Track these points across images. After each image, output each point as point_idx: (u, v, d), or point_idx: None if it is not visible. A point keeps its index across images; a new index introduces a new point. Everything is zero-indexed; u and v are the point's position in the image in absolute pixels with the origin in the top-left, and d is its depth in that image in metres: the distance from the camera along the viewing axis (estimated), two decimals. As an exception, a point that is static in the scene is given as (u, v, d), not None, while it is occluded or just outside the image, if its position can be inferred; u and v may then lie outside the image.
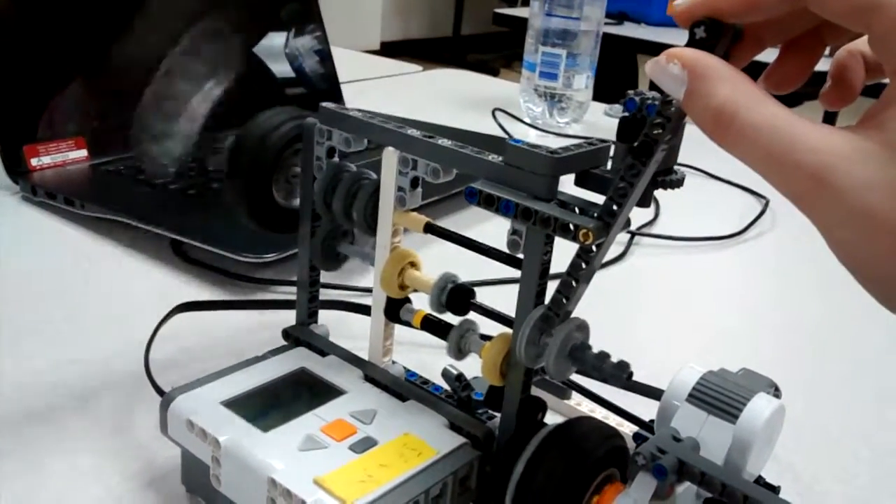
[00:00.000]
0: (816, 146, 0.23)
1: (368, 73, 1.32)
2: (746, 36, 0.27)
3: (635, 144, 0.28)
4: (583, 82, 1.06)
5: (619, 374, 0.31)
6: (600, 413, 0.44)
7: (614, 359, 0.31)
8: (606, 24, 1.20)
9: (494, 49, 4.42)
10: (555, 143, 0.88)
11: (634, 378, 0.43)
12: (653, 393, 0.45)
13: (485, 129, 1.00)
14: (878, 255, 0.23)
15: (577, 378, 0.45)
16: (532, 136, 1.05)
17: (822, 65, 0.28)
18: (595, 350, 0.32)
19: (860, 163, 0.23)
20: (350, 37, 3.32)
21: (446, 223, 0.70)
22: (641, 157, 0.28)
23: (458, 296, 0.36)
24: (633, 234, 0.74)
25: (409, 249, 0.37)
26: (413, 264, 0.37)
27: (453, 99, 1.21)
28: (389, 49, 4.00)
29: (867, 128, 0.24)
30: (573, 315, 0.32)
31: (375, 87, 1.27)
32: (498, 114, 1.08)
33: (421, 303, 0.38)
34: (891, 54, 0.24)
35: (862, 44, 0.30)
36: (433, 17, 4.63)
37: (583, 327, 0.32)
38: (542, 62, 1.05)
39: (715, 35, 0.26)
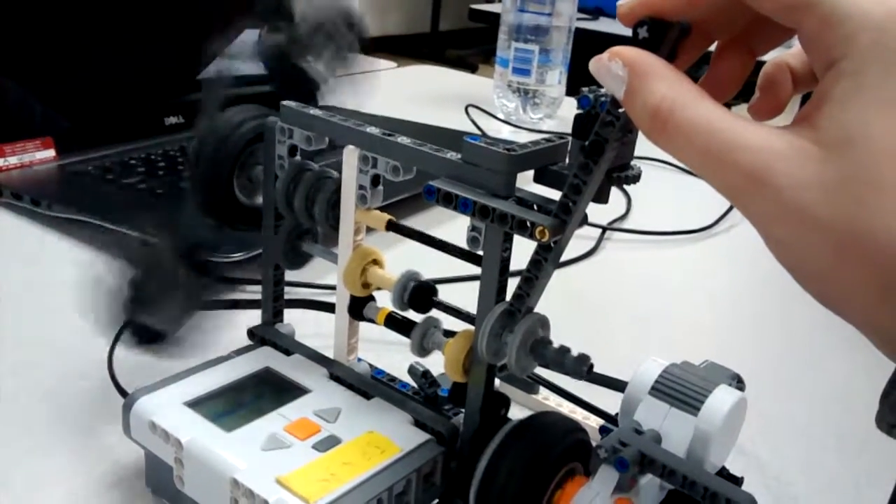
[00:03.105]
0: (752, 145, 0.24)
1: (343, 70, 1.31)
2: (693, 31, 0.27)
3: (586, 143, 0.28)
4: (556, 78, 1.06)
5: (580, 368, 0.31)
6: (567, 407, 0.44)
7: (580, 353, 0.32)
8: (581, 19, 1.21)
9: (472, 45, 4.42)
10: (528, 138, 0.88)
11: (606, 372, 0.43)
12: (620, 386, 0.45)
13: (458, 126, 1.00)
14: (812, 253, 0.23)
15: (543, 373, 0.46)
16: (505, 132, 1.05)
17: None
18: (561, 344, 0.32)
19: (796, 161, 0.23)
20: (327, 33, 3.30)
21: (414, 221, 0.70)
22: (593, 155, 0.28)
23: (420, 293, 0.36)
24: (604, 229, 0.74)
25: (371, 247, 0.37)
26: (376, 262, 0.37)
27: (428, 95, 1.21)
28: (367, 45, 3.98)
29: (802, 127, 0.24)
30: (536, 310, 0.32)
31: (350, 84, 1.26)
32: (472, 110, 1.08)
33: (386, 300, 0.38)
34: (820, 53, 0.24)
35: (789, 56, 0.30)
36: (411, 13, 4.62)
37: (543, 322, 0.33)
38: (515, 58, 1.05)
39: (658, 34, 0.26)
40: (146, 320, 0.39)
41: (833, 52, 0.23)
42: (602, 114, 0.27)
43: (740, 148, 0.24)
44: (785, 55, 0.30)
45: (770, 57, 0.31)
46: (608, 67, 0.26)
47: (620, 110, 0.27)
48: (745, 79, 0.30)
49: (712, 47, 0.30)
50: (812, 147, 0.23)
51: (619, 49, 0.26)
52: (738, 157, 0.24)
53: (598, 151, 0.28)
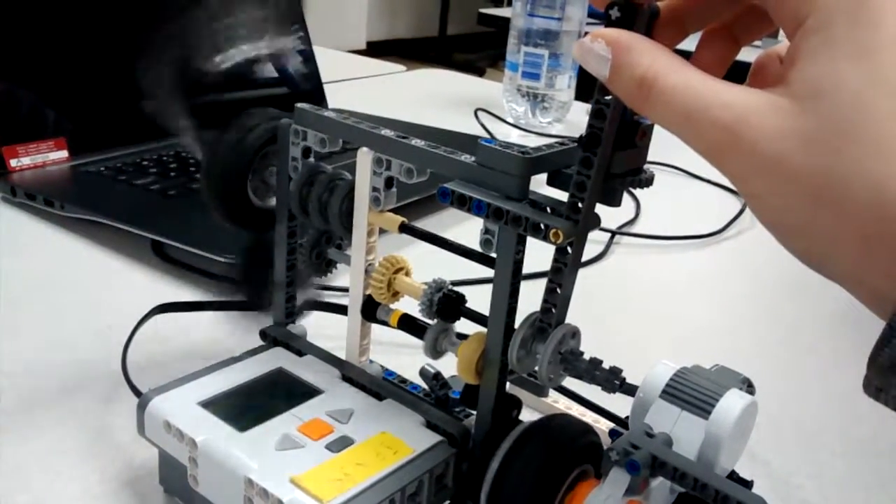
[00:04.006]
0: (730, 101, 0.24)
1: (352, 74, 1.32)
2: (668, 22, 0.28)
3: (582, 136, 0.28)
4: (565, 82, 1.06)
5: (612, 380, 0.32)
6: (577, 410, 0.44)
7: (612, 366, 0.32)
8: (590, 24, 1.21)
9: (480, 49, 4.43)
10: (537, 142, 0.89)
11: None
12: (631, 389, 0.45)
13: (468, 130, 1.00)
14: (790, 205, 0.24)
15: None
16: (514, 136, 1.05)
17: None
18: (592, 357, 0.32)
19: (771, 115, 0.24)
20: (336, 37, 3.32)
21: (426, 223, 0.70)
22: (591, 147, 0.28)
23: (449, 303, 0.36)
24: (613, 234, 0.74)
25: (399, 256, 0.38)
26: (402, 269, 0.38)
27: (437, 99, 1.21)
28: (375, 49, 4.00)
29: (776, 85, 0.25)
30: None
31: (359, 87, 1.27)
32: (481, 114, 1.08)
33: (399, 303, 0.38)
34: (788, 18, 0.25)
35: (780, 48, 0.31)
36: (419, 16, 4.63)
37: (575, 334, 0.33)
38: (525, 62, 1.05)
39: (629, 14, 0.26)
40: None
41: (799, 14, 0.24)
42: (591, 104, 0.28)
43: (718, 105, 0.24)
44: (777, 47, 0.30)
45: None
46: (591, 49, 0.26)
47: (608, 97, 0.27)
48: (728, 66, 0.30)
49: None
50: (786, 101, 0.24)
51: (600, 30, 0.27)
52: (715, 113, 0.24)
53: (595, 143, 0.28)
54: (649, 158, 0.31)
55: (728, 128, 0.24)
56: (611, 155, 0.29)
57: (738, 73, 0.31)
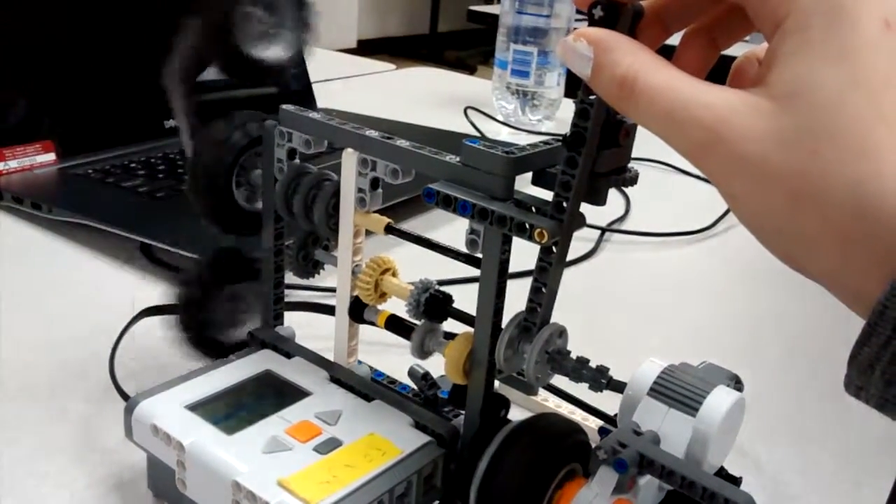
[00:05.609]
0: (711, 102, 0.24)
1: (342, 73, 1.31)
2: (651, 21, 0.28)
3: (567, 135, 0.28)
4: (555, 80, 1.06)
5: (599, 379, 0.32)
6: (566, 408, 0.44)
7: (599, 364, 0.32)
8: (579, 20, 1.21)
9: (471, 46, 4.43)
10: (527, 140, 0.89)
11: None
12: (619, 387, 0.45)
13: (458, 128, 1.00)
14: (771, 206, 0.24)
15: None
16: (504, 134, 1.05)
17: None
18: (579, 356, 0.32)
19: (751, 115, 0.24)
20: (327, 35, 3.31)
21: (413, 223, 0.70)
22: (576, 147, 0.28)
23: (436, 303, 0.36)
24: (603, 231, 0.74)
25: (386, 257, 0.37)
26: (389, 270, 0.37)
27: (427, 97, 1.21)
28: (366, 47, 3.99)
29: (756, 86, 0.25)
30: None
31: (349, 86, 1.27)
32: (471, 112, 1.08)
33: (387, 304, 0.38)
34: (766, 18, 0.25)
35: (759, 50, 0.31)
36: (410, 14, 4.62)
37: (562, 333, 0.33)
38: (514, 60, 1.05)
39: (612, 14, 0.26)
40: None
41: (777, 14, 0.24)
42: (576, 103, 0.28)
43: (699, 105, 0.24)
44: (755, 49, 0.30)
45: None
46: (574, 48, 0.26)
47: (592, 97, 0.27)
48: (707, 70, 0.30)
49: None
50: (764, 102, 0.24)
51: (584, 30, 0.27)
52: (696, 113, 0.24)
53: (579, 142, 0.28)
54: (640, 154, 0.32)
55: (708, 127, 0.24)
56: (595, 154, 0.29)
57: (726, 70, 0.31)
